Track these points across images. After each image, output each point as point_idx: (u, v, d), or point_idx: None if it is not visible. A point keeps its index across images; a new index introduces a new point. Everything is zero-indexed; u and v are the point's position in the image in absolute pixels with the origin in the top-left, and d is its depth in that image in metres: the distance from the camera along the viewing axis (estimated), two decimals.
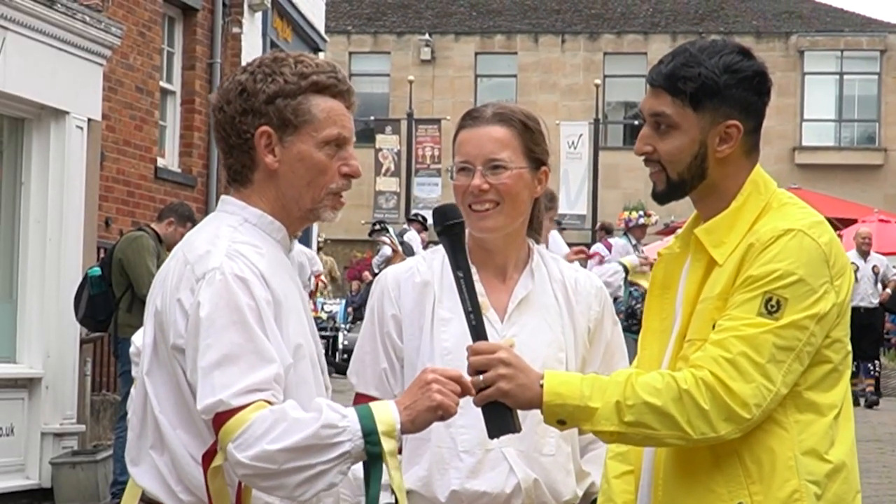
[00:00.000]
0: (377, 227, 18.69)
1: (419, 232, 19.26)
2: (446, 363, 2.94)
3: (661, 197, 2.71)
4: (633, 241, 14.42)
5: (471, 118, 3.06)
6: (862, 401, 15.13)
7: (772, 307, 2.53)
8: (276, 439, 2.36)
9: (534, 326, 3.01)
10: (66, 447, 9.86)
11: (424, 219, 20.00)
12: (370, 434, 2.40)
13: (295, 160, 2.56)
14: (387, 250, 18.28)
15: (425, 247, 17.85)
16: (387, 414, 2.43)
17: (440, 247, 3.15)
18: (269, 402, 2.40)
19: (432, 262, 3.08)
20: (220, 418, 2.39)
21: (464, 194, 3.00)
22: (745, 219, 2.64)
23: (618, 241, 14.25)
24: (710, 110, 2.63)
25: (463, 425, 2.94)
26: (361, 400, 2.98)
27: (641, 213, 14.23)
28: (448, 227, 2.68)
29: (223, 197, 2.65)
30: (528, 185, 3.03)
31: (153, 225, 9.65)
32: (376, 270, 18.20)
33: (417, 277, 3.06)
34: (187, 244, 2.56)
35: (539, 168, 3.05)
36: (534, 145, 3.04)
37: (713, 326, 2.59)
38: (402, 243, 18.17)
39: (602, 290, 3.14)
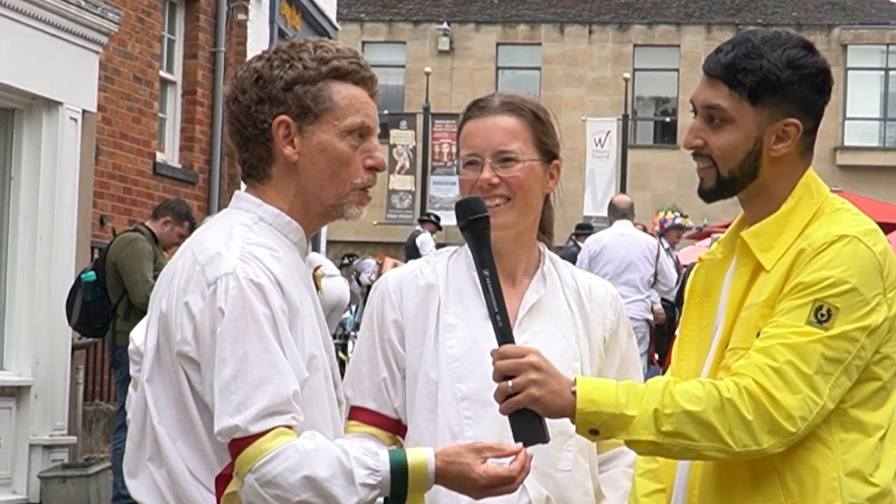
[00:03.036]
0: (345, 260, 18.91)
1: (431, 233, 19.26)
2: (452, 371, 2.92)
3: (709, 194, 2.70)
4: (666, 246, 14.45)
5: (477, 108, 3.04)
6: None
7: (822, 316, 2.53)
8: (297, 488, 2.37)
9: (546, 334, 2.97)
10: (55, 460, 9.85)
11: (438, 218, 19.99)
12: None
13: (316, 151, 2.53)
14: (370, 262, 18.42)
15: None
16: (423, 485, 2.46)
17: (445, 249, 3.12)
18: (289, 427, 2.39)
19: (436, 265, 3.05)
20: (238, 444, 2.38)
21: (472, 189, 2.97)
22: (796, 223, 2.63)
23: None
24: (770, 106, 2.63)
25: (472, 437, 2.91)
26: (358, 413, 2.96)
27: (678, 214, 14.30)
28: (472, 222, 2.64)
29: (237, 193, 2.61)
30: (539, 178, 3.01)
31: (148, 223, 9.59)
32: (370, 283, 18.36)
33: (421, 280, 3.02)
34: (197, 242, 2.52)
35: (551, 161, 3.04)
36: (545, 137, 3.03)
37: (757, 335, 2.57)
38: (413, 247, 18.18)
39: (617, 299, 3.12)
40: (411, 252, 18.08)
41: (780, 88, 2.61)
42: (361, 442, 2.55)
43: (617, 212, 11.58)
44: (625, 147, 26.51)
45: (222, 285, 2.41)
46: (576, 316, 3.04)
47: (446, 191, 26.11)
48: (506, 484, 2.46)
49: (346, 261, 19.16)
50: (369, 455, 2.39)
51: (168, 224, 9.41)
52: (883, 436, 2.60)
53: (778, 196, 2.65)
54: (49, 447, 9.83)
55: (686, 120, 32.43)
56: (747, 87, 2.61)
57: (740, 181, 2.66)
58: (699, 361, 2.71)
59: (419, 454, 2.44)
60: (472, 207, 2.65)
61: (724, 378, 2.55)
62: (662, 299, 12.15)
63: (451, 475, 2.44)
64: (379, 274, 17.48)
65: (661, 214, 14.48)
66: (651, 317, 11.57)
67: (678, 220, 14.33)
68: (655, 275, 11.44)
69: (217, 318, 2.39)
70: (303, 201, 2.56)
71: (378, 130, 2.62)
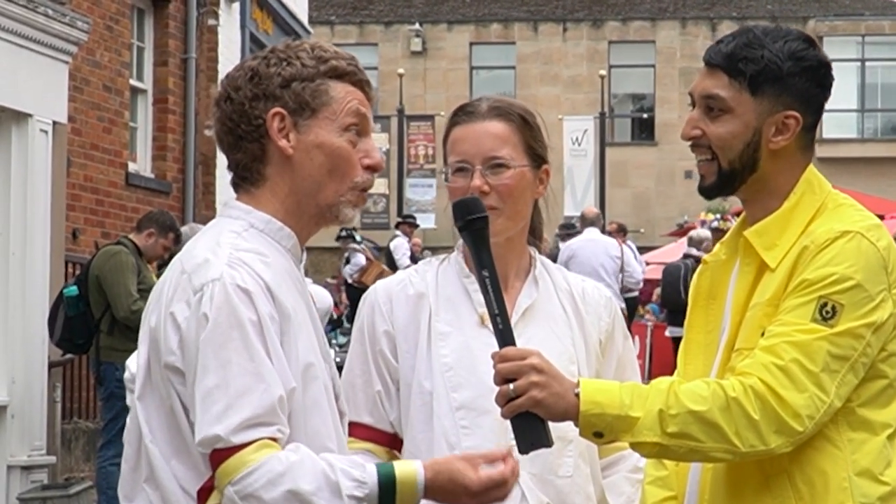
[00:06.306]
0: (343, 233, 18.61)
1: (408, 235, 19.18)
2: (447, 380, 2.91)
3: (711, 190, 2.69)
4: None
5: (465, 113, 3.02)
6: None
7: (827, 313, 2.52)
8: (279, 501, 2.30)
9: (541, 338, 2.96)
10: (34, 481, 9.77)
11: (414, 218, 19.92)
12: None
13: (312, 146, 2.50)
14: (360, 258, 18.23)
15: (412, 256, 17.84)
16: (412, 498, 2.37)
17: (435, 257, 3.11)
18: (274, 439, 2.34)
19: (425, 274, 3.05)
20: (219, 455, 2.33)
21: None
22: (799, 220, 2.63)
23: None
24: (770, 97, 2.62)
25: (470, 447, 2.89)
26: (353, 429, 2.93)
27: (718, 216, 15.07)
28: (470, 222, 2.62)
29: (227, 201, 2.58)
30: (530, 184, 3.01)
31: (132, 236, 9.53)
32: (349, 280, 18.23)
33: (410, 289, 3.02)
34: (186, 252, 2.49)
35: (540, 166, 3.04)
36: (534, 142, 3.03)
37: (762, 334, 2.57)
38: (383, 250, 18.15)
39: (611, 301, 3.13)
40: (391, 257, 18.07)
41: (780, 79, 2.61)
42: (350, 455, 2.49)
43: (586, 221, 14.79)
44: (602, 145, 26.54)
45: (208, 291, 2.37)
46: (571, 319, 3.03)
47: (423, 193, 26.09)
48: (498, 487, 2.40)
49: (343, 233, 18.81)
50: (356, 467, 2.35)
51: (152, 236, 9.34)
52: (891, 434, 2.59)
53: (779, 192, 2.65)
54: (27, 468, 9.75)
55: (663, 116, 32.51)
56: (748, 76, 2.61)
57: (740, 174, 2.64)
58: (707, 365, 2.70)
59: (408, 466, 2.39)
60: (469, 208, 2.63)
61: (730, 378, 2.54)
62: (626, 297, 14.46)
63: (441, 484, 2.39)
64: (361, 274, 17.48)
65: (710, 216, 15.11)
66: (623, 304, 13.89)
67: (715, 224, 14.92)
68: (622, 269, 14.30)
69: (201, 324, 2.36)
70: (297, 202, 2.52)
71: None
